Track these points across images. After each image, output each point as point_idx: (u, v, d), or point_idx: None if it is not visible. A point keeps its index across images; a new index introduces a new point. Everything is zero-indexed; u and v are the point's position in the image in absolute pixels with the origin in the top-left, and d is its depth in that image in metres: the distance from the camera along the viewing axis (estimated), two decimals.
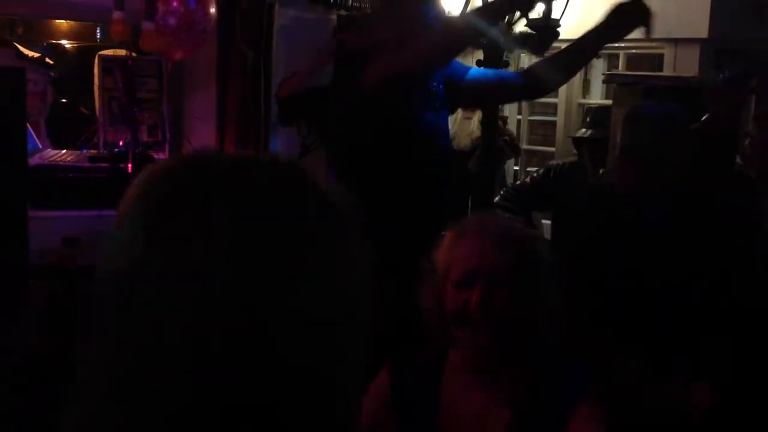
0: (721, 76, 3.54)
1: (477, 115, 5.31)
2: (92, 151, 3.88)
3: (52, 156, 3.76)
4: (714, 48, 4.44)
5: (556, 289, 1.72)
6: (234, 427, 0.66)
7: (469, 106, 4.57)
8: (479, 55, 4.85)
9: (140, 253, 0.67)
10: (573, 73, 3.16)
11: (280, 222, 0.68)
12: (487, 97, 3.35)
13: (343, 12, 4.57)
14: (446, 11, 2.83)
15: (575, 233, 2.38)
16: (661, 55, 4.65)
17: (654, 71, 4.97)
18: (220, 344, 0.65)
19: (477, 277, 1.66)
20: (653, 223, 2.33)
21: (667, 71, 4.53)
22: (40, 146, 3.89)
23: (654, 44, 4.71)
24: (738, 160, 3.98)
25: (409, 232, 2.71)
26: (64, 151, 3.92)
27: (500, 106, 5.27)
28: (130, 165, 3.52)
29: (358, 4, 4.60)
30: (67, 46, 5.26)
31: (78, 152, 3.89)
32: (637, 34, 2.79)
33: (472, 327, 1.65)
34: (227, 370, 0.65)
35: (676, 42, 4.48)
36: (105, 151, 3.71)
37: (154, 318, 0.66)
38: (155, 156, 3.76)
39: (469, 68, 3.08)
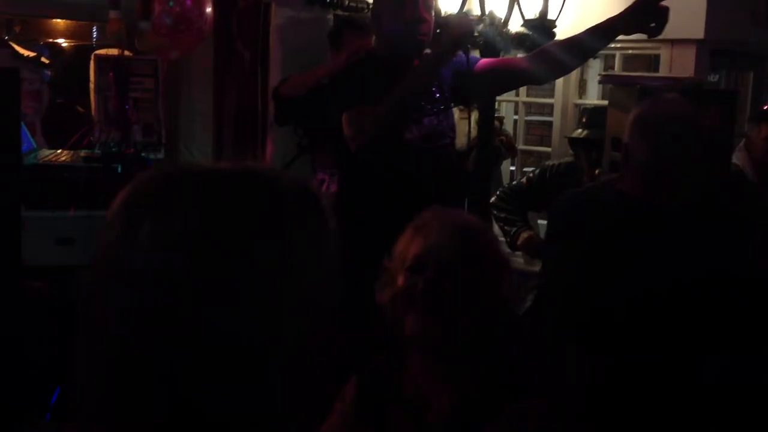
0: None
1: (474, 116, 5.30)
2: (87, 151, 3.87)
3: (47, 156, 3.76)
4: (710, 49, 4.44)
5: (508, 283, 1.75)
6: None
7: (482, 96, 4.57)
8: (474, 53, 4.85)
9: (114, 242, 0.76)
10: (583, 60, 3.15)
11: (232, 224, 0.75)
12: (498, 86, 3.38)
13: (339, 12, 4.57)
14: (431, 27, 2.86)
15: (589, 241, 2.32)
16: (657, 56, 4.64)
17: (650, 72, 4.97)
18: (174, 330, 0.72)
19: (427, 263, 1.68)
20: (674, 230, 2.30)
21: (663, 72, 4.53)
22: (36, 146, 3.88)
23: (650, 45, 4.70)
24: (734, 160, 3.99)
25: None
26: (59, 150, 3.92)
27: (496, 107, 5.28)
28: (121, 165, 3.51)
29: (354, 4, 4.60)
30: (64, 45, 5.26)
31: (73, 152, 3.88)
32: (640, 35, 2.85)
33: (418, 311, 1.67)
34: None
35: (672, 42, 4.48)
36: (99, 151, 3.70)
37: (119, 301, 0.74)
38: (148, 156, 3.75)
39: (477, 59, 3.09)
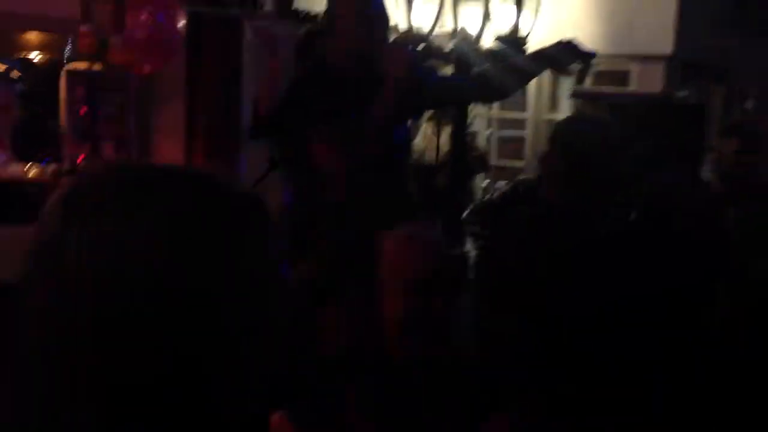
0: None
1: (445, 131, 5.32)
2: (56, 165, 3.85)
3: (14, 170, 3.73)
4: (679, 64, 4.49)
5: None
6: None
7: (431, 108, 4.60)
8: (447, 69, 4.88)
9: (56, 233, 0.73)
10: (518, 88, 3.21)
11: (175, 222, 0.73)
12: (447, 101, 3.44)
13: (311, 26, 4.58)
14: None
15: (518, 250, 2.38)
16: (627, 72, 4.70)
17: (620, 87, 5.02)
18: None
19: (433, 284, 1.63)
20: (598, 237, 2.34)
21: (633, 87, 4.58)
22: (3, 160, 3.85)
23: (619, 61, 4.75)
24: (708, 173, 4.02)
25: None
26: (28, 165, 3.88)
27: (468, 122, 5.30)
28: None
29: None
30: (37, 58, 5.22)
31: (41, 166, 3.85)
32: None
33: (425, 335, 1.62)
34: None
35: (641, 59, 4.53)
36: (67, 166, 3.68)
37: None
38: None
39: (433, 72, 3.12)
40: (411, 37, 4.59)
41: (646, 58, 4.51)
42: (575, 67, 3.00)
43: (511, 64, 3.07)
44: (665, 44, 4.33)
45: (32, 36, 5.01)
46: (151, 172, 0.78)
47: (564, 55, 2.92)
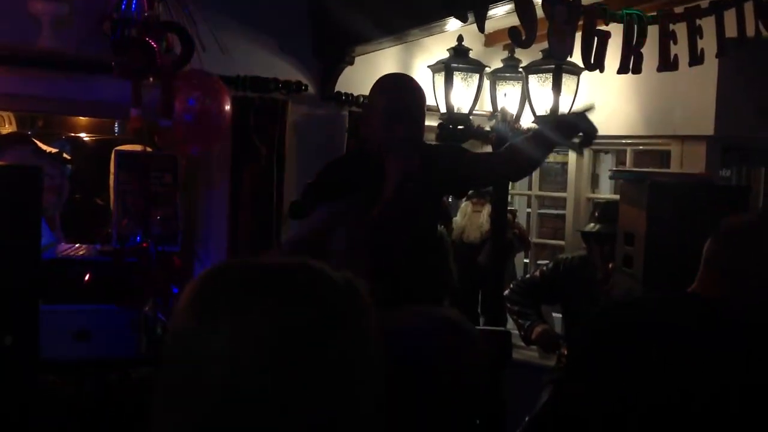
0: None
1: (486, 209, 5.36)
2: (105, 245, 3.92)
3: (65, 250, 3.80)
4: (721, 145, 4.49)
5: None
6: None
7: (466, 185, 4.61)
8: (487, 148, 4.94)
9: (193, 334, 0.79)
10: (540, 160, 3.14)
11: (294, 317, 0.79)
12: (479, 181, 3.48)
13: (354, 108, 4.67)
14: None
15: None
16: (668, 151, 4.70)
17: (661, 167, 5.02)
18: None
19: None
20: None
21: (674, 167, 4.57)
22: (55, 240, 3.94)
23: (661, 141, 4.76)
24: None
25: None
26: (77, 245, 3.96)
27: (509, 200, 5.33)
28: (141, 259, 3.54)
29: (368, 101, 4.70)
30: (86, 139, 5.36)
31: (91, 246, 3.93)
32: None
33: None
34: None
35: (682, 139, 4.54)
36: (117, 245, 3.75)
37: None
38: (166, 249, 3.78)
39: (465, 151, 3.14)
40: (451, 117, 4.66)
41: (686, 138, 4.51)
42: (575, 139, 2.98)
43: (536, 137, 3.04)
44: (706, 125, 4.34)
45: (81, 117, 5.15)
46: (271, 269, 0.84)
47: (567, 128, 2.92)
